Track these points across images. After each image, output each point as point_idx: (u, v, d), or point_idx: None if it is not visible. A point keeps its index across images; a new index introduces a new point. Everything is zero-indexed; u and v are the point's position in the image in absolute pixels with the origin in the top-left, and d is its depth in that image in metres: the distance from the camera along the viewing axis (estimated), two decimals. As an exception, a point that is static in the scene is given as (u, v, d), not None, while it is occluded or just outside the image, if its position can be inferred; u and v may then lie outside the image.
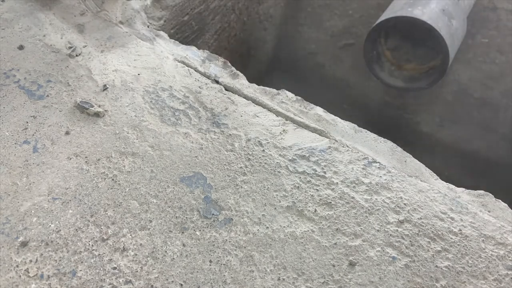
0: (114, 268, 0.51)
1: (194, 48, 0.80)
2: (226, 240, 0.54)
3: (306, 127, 0.66)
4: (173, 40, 0.82)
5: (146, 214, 0.56)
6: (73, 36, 0.77)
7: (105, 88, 0.69)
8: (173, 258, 0.53)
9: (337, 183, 0.59)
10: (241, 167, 0.61)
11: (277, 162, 0.61)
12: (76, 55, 0.73)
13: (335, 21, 1.47)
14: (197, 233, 0.55)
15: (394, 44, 1.26)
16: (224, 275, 0.52)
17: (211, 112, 0.67)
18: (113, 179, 0.59)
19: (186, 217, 0.56)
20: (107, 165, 0.60)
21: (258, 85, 0.75)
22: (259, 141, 0.63)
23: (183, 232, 0.55)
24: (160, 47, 0.78)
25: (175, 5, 0.95)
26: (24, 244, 0.52)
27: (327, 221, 0.56)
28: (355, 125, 0.68)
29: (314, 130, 0.66)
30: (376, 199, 0.58)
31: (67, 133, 0.63)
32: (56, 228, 0.54)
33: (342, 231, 0.55)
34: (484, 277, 0.52)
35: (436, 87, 1.23)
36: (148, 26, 0.84)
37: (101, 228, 0.54)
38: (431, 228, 0.55)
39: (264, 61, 1.60)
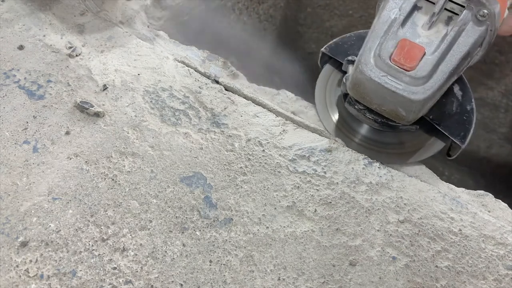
0: (114, 268, 0.51)
1: (194, 48, 0.80)
2: (226, 240, 0.54)
3: (306, 127, 0.66)
4: (173, 40, 0.82)
5: (146, 214, 0.56)
6: (73, 36, 0.77)
7: (105, 88, 0.69)
8: (173, 258, 0.53)
9: (337, 183, 0.59)
10: (241, 167, 0.61)
11: (277, 162, 0.61)
12: (76, 55, 0.73)
13: (335, 21, 1.47)
14: (197, 233, 0.55)
15: None
16: (224, 275, 0.52)
17: (211, 112, 0.67)
18: (113, 179, 0.59)
19: (186, 217, 0.56)
20: (107, 165, 0.60)
21: (258, 85, 0.75)
22: (259, 141, 0.63)
23: (183, 232, 0.55)
24: (160, 47, 0.78)
25: (175, 5, 0.95)
26: (24, 244, 0.52)
27: (327, 221, 0.56)
28: (355, 125, 0.68)
29: (314, 130, 0.66)
30: (376, 199, 0.58)
31: (67, 133, 0.63)
32: (56, 228, 0.54)
33: (342, 231, 0.55)
34: (484, 277, 0.52)
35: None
36: (148, 26, 0.84)
37: (101, 228, 0.54)
38: (431, 228, 0.55)
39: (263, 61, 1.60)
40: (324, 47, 0.68)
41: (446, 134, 0.60)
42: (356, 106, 0.61)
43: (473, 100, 0.62)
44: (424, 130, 0.63)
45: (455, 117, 0.61)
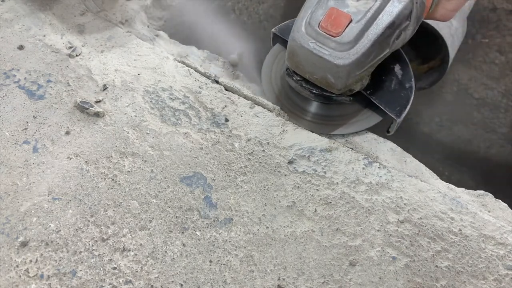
0: (114, 268, 0.51)
1: (194, 48, 0.80)
2: (226, 240, 0.54)
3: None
4: (173, 40, 0.82)
5: (146, 214, 0.56)
6: (73, 36, 0.77)
7: (105, 88, 0.69)
8: (173, 258, 0.53)
9: (337, 183, 0.59)
10: (241, 167, 0.61)
11: (277, 162, 0.61)
12: (76, 55, 0.73)
13: (335, 21, 1.46)
14: (197, 233, 0.55)
15: None
16: (224, 275, 0.52)
17: (211, 112, 0.67)
18: (113, 179, 0.59)
19: (186, 217, 0.56)
20: (107, 165, 0.60)
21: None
22: (259, 141, 0.63)
23: (183, 232, 0.55)
24: (160, 47, 0.78)
25: (175, 5, 0.95)
26: (24, 244, 0.52)
27: (327, 221, 0.56)
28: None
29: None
30: (376, 199, 0.58)
31: (67, 133, 0.63)
32: (56, 228, 0.54)
33: (342, 231, 0.55)
34: (484, 277, 0.52)
35: (436, 87, 1.23)
36: (148, 26, 0.84)
37: (101, 228, 0.54)
38: (431, 228, 0.55)
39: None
40: (275, 28, 0.72)
41: (381, 107, 0.62)
42: (294, 78, 0.63)
43: (412, 79, 0.65)
44: (364, 105, 0.66)
45: (393, 93, 0.64)
